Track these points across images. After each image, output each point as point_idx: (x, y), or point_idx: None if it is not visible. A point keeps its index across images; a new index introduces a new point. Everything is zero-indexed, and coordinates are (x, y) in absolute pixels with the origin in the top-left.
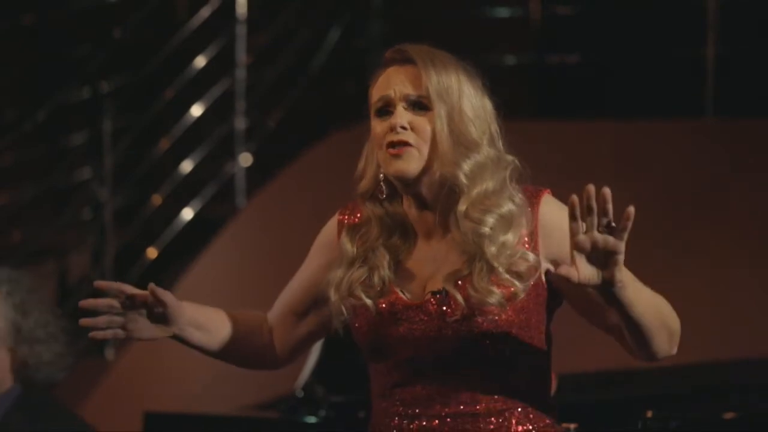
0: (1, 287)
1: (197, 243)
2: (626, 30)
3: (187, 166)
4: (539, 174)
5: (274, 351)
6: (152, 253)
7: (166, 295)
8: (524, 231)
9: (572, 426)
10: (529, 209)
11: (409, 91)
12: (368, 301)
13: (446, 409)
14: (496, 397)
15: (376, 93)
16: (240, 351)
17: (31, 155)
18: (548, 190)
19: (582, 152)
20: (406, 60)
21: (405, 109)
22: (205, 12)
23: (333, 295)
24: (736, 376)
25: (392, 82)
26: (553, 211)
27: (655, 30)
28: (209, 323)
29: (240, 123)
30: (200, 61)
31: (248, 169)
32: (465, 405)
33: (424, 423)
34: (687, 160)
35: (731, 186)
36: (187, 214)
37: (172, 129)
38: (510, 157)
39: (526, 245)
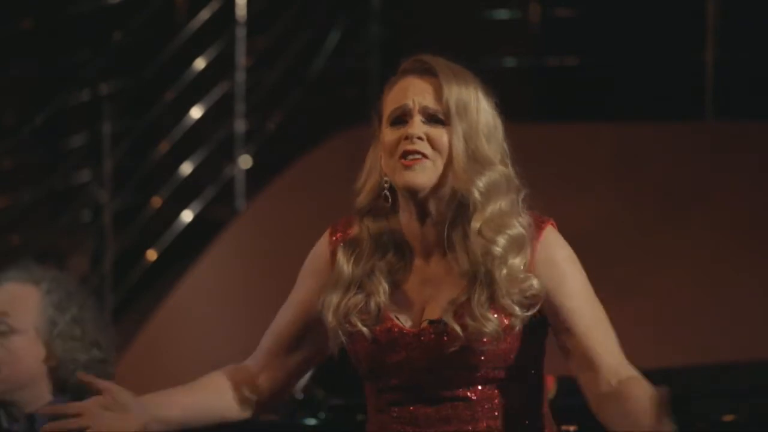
0: (42, 284)
1: (197, 245)
2: (626, 33)
3: (186, 168)
4: (539, 177)
5: (269, 394)
6: (152, 255)
7: (101, 385)
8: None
9: (571, 428)
10: (530, 238)
11: (429, 103)
12: (364, 329)
13: (446, 428)
14: (495, 414)
15: (393, 102)
16: (224, 415)
17: (31, 158)
18: (552, 222)
19: (582, 155)
20: (425, 71)
21: (422, 121)
22: (204, 14)
23: (331, 320)
24: (736, 377)
25: (411, 92)
26: (549, 245)
27: (655, 33)
28: (176, 415)
29: (240, 126)
30: (200, 64)
31: (248, 171)
32: (465, 423)
33: None
34: (687, 163)
35: (731, 189)
36: (187, 216)
37: (172, 131)
38: (517, 182)
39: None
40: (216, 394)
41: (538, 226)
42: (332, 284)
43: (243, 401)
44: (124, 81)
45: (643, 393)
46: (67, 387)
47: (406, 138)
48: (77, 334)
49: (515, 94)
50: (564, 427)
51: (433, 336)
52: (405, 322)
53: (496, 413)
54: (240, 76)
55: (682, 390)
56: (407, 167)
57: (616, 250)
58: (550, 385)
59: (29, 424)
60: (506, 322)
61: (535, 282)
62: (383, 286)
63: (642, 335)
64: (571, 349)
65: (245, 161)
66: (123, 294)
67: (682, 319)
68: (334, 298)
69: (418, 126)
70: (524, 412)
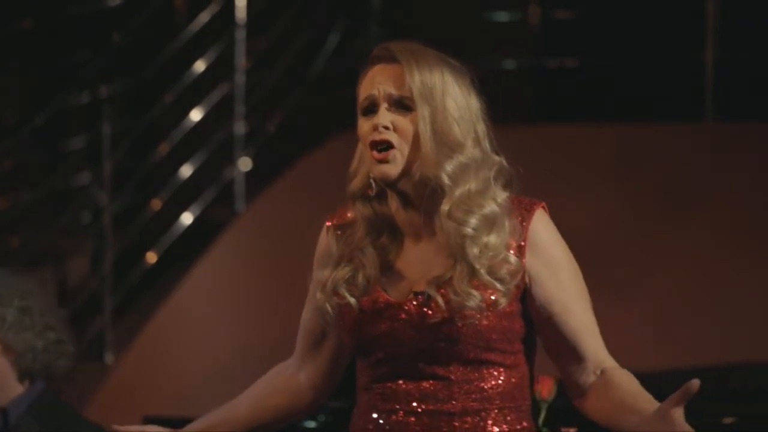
0: None
1: (197, 247)
2: (626, 34)
3: (186, 170)
4: (538, 178)
5: (312, 390)
6: (151, 257)
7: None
8: (513, 242)
9: (572, 430)
10: (520, 220)
11: (392, 90)
12: (351, 300)
13: (423, 406)
14: (473, 396)
15: (363, 92)
16: (274, 420)
17: (31, 158)
18: (543, 204)
19: (582, 155)
20: (391, 58)
21: (387, 109)
22: (204, 16)
23: (319, 296)
24: (736, 379)
25: (376, 81)
26: (543, 230)
27: (655, 33)
28: None
29: (239, 127)
30: (199, 66)
31: (248, 173)
32: (441, 403)
33: (401, 419)
34: (687, 164)
35: (731, 189)
36: (187, 218)
37: (172, 133)
38: (497, 158)
39: (513, 255)
40: (262, 403)
41: (527, 210)
42: (325, 264)
43: (288, 405)
44: (124, 82)
45: (627, 378)
46: (33, 374)
47: (374, 128)
48: (27, 323)
49: (515, 95)
50: (564, 429)
51: (416, 307)
52: (392, 294)
53: (474, 396)
54: (240, 78)
55: None
56: (379, 161)
57: (616, 250)
58: (551, 387)
59: (3, 419)
60: (492, 298)
61: (511, 258)
62: (374, 261)
63: (642, 335)
64: (558, 341)
65: (245, 163)
66: (123, 295)
67: (682, 319)
68: (324, 274)
69: (383, 115)
70: (504, 401)
